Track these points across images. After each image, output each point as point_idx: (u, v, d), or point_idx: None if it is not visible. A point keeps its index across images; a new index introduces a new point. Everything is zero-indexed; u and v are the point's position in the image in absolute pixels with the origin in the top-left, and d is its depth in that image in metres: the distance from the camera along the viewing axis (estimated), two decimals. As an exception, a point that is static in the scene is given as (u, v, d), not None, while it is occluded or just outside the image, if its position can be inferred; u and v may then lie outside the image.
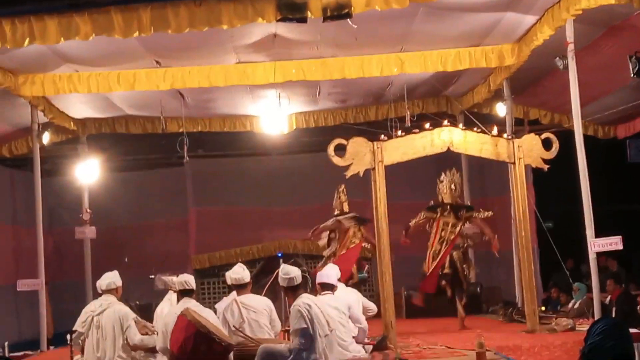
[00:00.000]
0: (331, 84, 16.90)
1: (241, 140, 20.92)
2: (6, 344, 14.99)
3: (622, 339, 3.78)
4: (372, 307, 12.24)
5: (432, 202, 15.06)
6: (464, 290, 15.02)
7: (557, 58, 13.13)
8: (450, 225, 14.73)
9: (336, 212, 16.39)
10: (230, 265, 12.31)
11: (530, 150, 13.16)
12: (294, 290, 10.00)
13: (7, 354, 14.55)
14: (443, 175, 14.96)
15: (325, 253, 16.41)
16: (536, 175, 16.95)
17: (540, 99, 17.93)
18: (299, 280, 10.06)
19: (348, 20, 11.70)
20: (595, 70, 14.40)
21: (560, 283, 17.89)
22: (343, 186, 16.12)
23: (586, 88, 13.29)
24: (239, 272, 11.53)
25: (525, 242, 13.29)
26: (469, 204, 16.14)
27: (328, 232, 16.50)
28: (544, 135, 13.36)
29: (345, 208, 16.27)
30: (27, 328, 18.38)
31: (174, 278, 12.02)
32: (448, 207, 14.77)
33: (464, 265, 14.96)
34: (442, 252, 14.58)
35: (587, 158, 12.74)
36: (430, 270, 14.57)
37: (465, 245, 15.14)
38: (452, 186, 14.87)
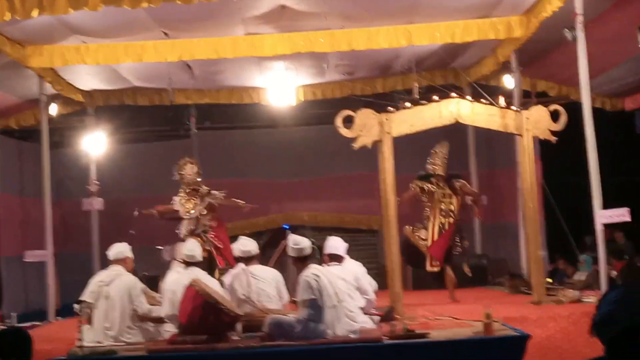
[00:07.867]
0: (339, 56, 16.84)
1: (248, 112, 20.87)
2: (14, 314, 15.05)
3: (635, 308, 3.75)
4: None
5: (422, 172, 15.00)
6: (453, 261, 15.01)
7: (566, 30, 13.05)
8: (447, 196, 14.71)
9: None
10: (236, 238, 12.29)
11: (537, 122, 13.13)
12: (303, 261, 10.02)
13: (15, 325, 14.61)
14: (437, 147, 14.98)
15: None
16: (544, 148, 16.93)
17: (549, 71, 17.86)
18: (308, 251, 10.08)
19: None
20: (604, 42, 14.35)
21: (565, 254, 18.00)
22: None
23: (594, 60, 13.23)
24: (247, 245, 11.60)
25: (532, 214, 13.30)
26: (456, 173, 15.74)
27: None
28: (551, 107, 13.31)
29: None
30: (34, 299, 18.44)
31: (182, 248, 12.09)
32: (441, 178, 14.77)
33: (457, 237, 14.89)
34: (447, 224, 14.59)
35: (595, 130, 12.72)
36: (436, 242, 14.56)
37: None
38: (444, 158, 14.89)
